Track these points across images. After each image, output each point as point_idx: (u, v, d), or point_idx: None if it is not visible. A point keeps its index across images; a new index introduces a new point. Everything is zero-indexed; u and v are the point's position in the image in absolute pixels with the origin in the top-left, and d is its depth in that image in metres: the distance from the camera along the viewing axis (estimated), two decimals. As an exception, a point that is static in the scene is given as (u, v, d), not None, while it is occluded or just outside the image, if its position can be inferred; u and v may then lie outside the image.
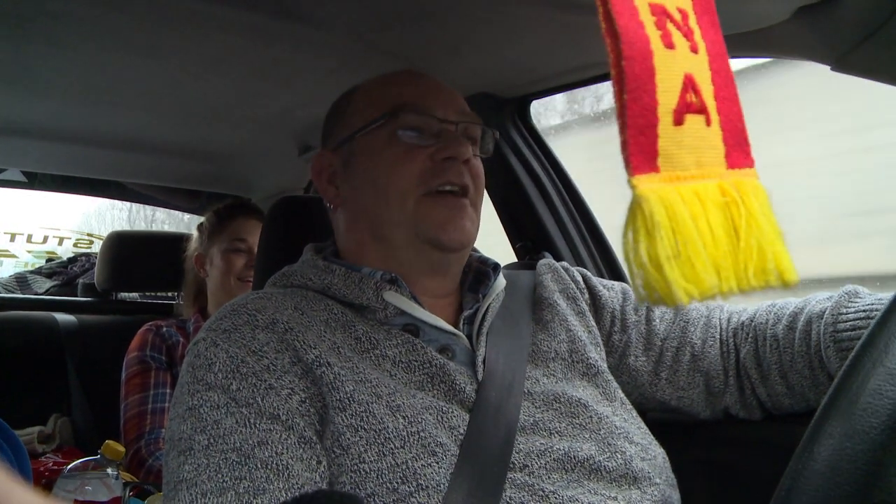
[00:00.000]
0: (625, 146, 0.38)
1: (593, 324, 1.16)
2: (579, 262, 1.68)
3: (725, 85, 0.43)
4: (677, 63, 0.40)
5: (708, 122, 0.42)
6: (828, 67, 1.08)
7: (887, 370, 0.55)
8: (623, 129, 0.38)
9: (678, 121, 0.40)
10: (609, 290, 1.22)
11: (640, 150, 0.39)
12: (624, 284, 1.26)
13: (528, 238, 1.74)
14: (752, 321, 1.15)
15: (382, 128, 1.03)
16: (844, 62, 1.05)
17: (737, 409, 1.14)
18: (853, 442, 0.53)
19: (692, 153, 0.41)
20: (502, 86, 1.63)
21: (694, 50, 0.42)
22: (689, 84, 0.41)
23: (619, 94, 0.38)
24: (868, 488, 0.51)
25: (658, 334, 1.17)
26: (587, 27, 1.28)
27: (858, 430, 0.53)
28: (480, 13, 1.28)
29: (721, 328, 1.17)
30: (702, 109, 0.41)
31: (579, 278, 1.22)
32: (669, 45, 0.40)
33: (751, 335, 1.13)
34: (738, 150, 0.44)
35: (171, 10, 1.28)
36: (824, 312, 1.04)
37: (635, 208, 0.39)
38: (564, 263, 1.26)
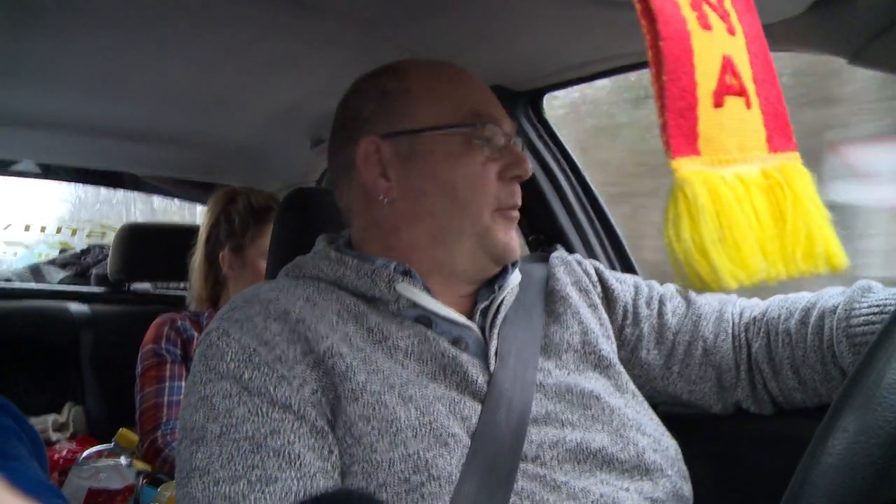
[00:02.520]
0: (664, 128, 0.37)
1: (605, 316, 1.16)
2: (592, 255, 1.68)
3: (764, 68, 0.42)
4: (715, 44, 0.39)
5: (748, 105, 0.41)
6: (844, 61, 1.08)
7: None
8: (662, 111, 0.37)
9: (718, 102, 0.39)
10: (621, 283, 1.22)
11: (680, 133, 0.37)
12: (636, 278, 1.26)
13: (541, 231, 1.74)
14: (764, 316, 1.14)
15: (460, 134, 1.01)
16: (861, 56, 1.05)
17: (748, 403, 1.14)
18: (867, 436, 0.53)
19: (733, 136, 0.40)
20: (515, 79, 1.63)
21: (731, 32, 0.41)
22: (728, 66, 0.40)
23: (658, 75, 0.37)
24: (882, 483, 0.51)
25: (670, 328, 1.17)
26: (601, 21, 1.27)
27: (873, 425, 0.53)
28: (494, 6, 1.27)
29: (733, 323, 1.16)
30: (741, 92, 0.40)
31: (592, 271, 1.22)
32: (706, 27, 0.39)
33: (763, 330, 1.13)
34: (779, 134, 0.42)
35: (185, 3, 1.28)
36: (837, 307, 1.03)
37: (677, 192, 0.37)
38: (577, 256, 1.25)
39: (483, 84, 1.09)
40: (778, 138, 0.43)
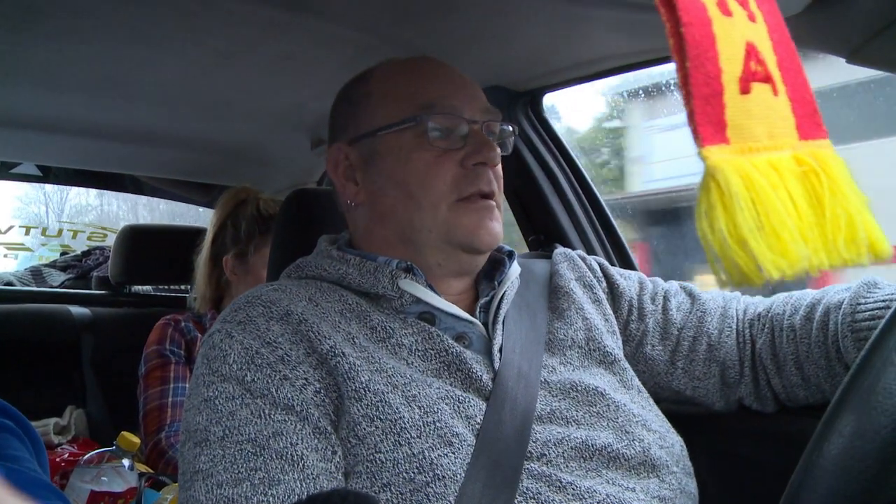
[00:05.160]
0: (691, 116, 0.36)
1: (610, 312, 1.16)
2: (592, 254, 1.68)
3: (788, 55, 0.41)
4: (737, 30, 0.38)
5: (775, 92, 0.40)
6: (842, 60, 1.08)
7: None
8: (688, 98, 0.36)
9: (744, 89, 0.38)
10: (626, 279, 1.22)
11: (707, 120, 0.36)
12: (640, 274, 1.26)
13: (541, 231, 1.74)
14: (768, 312, 1.14)
15: (410, 128, 1.01)
16: (859, 55, 1.05)
17: (751, 400, 1.14)
18: (863, 441, 0.53)
19: (762, 123, 0.38)
20: (515, 79, 1.63)
21: (751, 19, 0.40)
22: (752, 52, 0.38)
23: (681, 63, 0.36)
24: (878, 486, 0.51)
25: (675, 324, 1.17)
26: (600, 21, 1.27)
27: (869, 429, 0.53)
28: (493, 6, 1.27)
29: (737, 319, 1.17)
30: (767, 78, 0.39)
31: (596, 267, 1.22)
32: (727, 13, 0.38)
33: (767, 326, 1.13)
34: (809, 121, 0.41)
35: (186, 5, 1.28)
36: (842, 303, 1.03)
37: (709, 181, 0.36)
38: (581, 252, 1.25)
39: (451, 74, 1.07)
40: (808, 125, 0.41)
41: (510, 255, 1.11)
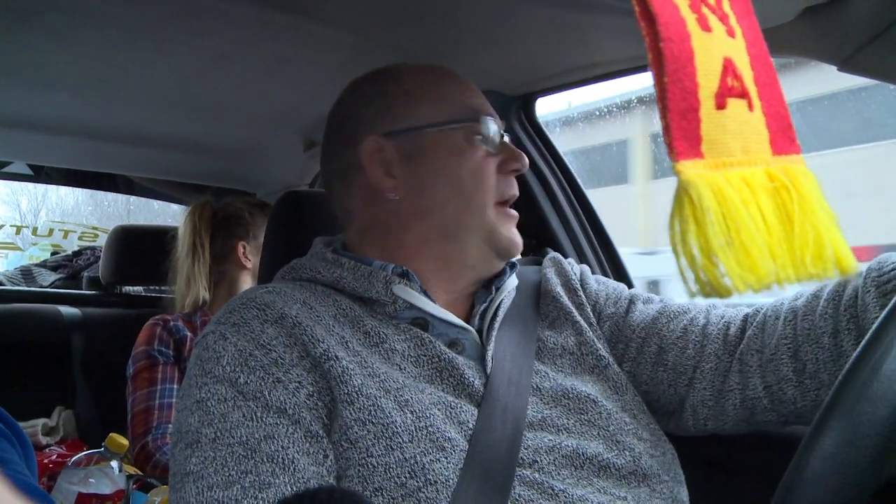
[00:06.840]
0: (667, 131, 0.37)
1: (590, 314, 1.13)
2: (583, 261, 1.67)
3: (765, 70, 0.42)
4: (716, 46, 0.39)
5: (750, 108, 0.41)
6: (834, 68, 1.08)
7: (885, 376, 0.55)
8: (664, 113, 0.37)
9: (720, 105, 0.39)
10: (600, 284, 1.18)
11: (683, 135, 0.37)
12: (620, 284, 1.21)
13: (532, 236, 1.74)
14: (758, 312, 1.05)
15: (460, 129, 1.03)
16: (851, 63, 1.05)
17: (706, 411, 1.04)
18: (850, 449, 0.53)
19: (737, 138, 0.39)
20: (507, 83, 1.63)
21: (731, 34, 0.41)
22: (729, 67, 0.39)
23: (659, 77, 0.37)
24: (865, 495, 0.51)
25: (630, 326, 1.11)
26: (593, 26, 1.28)
27: (855, 437, 0.53)
28: (487, 10, 1.28)
29: (705, 322, 1.08)
30: (743, 94, 0.40)
31: (577, 270, 1.20)
32: (706, 28, 0.39)
33: (759, 320, 1.03)
34: (782, 136, 0.42)
35: (179, 5, 1.28)
36: (864, 270, 0.94)
37: (682, 195, 0.37)
38: (570, 259, 1.25)
39: (474, 84, 1.11)
40: (781, 141, 0.42)
41: (511, 264, 1.11)
